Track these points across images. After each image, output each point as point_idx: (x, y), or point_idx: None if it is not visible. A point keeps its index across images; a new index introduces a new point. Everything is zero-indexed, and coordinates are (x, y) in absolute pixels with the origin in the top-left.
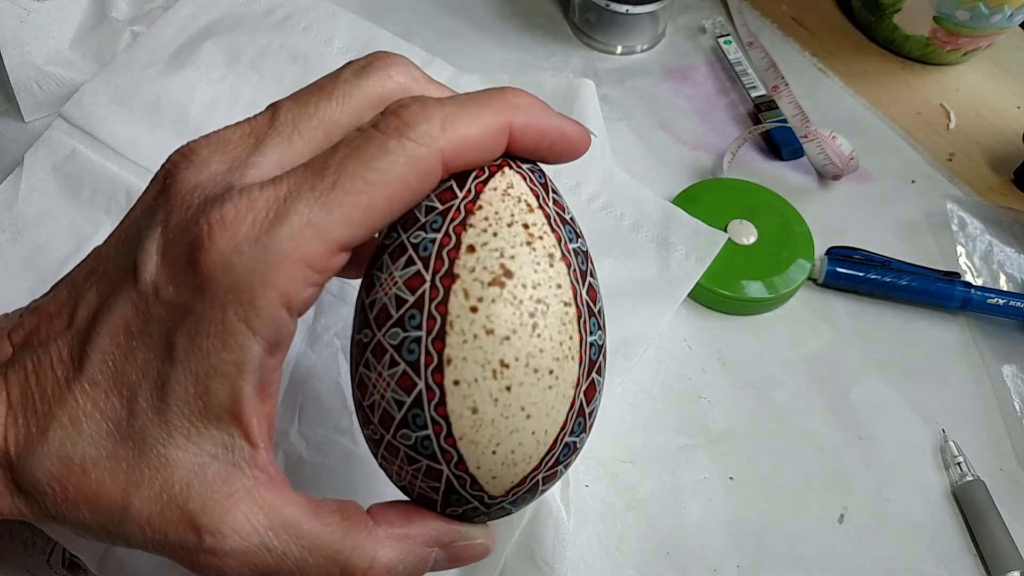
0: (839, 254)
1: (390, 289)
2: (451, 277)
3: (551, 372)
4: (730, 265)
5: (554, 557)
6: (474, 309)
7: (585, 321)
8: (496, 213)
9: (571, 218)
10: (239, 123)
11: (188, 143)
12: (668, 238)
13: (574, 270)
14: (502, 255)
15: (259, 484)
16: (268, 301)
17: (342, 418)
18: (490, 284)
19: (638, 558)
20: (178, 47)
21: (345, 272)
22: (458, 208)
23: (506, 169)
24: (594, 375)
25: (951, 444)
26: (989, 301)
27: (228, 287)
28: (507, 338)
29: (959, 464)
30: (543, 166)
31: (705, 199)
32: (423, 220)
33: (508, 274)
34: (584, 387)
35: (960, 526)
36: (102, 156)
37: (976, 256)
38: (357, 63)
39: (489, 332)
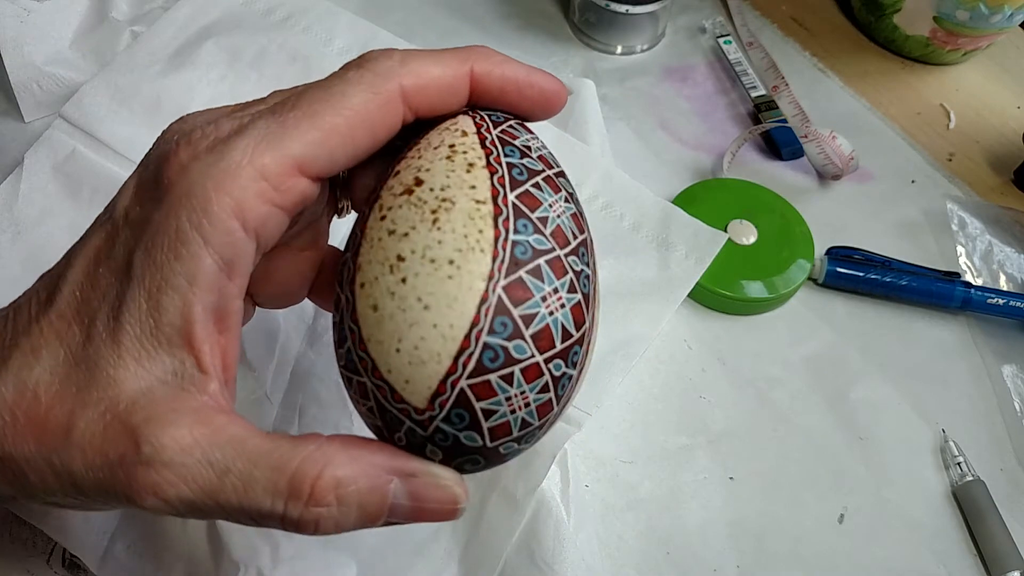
0: (839, 254)
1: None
2: (376, 198)
3: (451, 262)
4: (730, 265)
5: (554, 557)
6: (383, 217)
7: (508, 219)
8: (429, 142)
9: (535, 151)
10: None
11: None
12: (668, 238)
13: (500, 176)
14: (419, 170)
15: (205, 406)
16: (220, 207)
17: (342, 418)
18: (400, 194)
19: (638, 558)
20: (178, 47)
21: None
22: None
23: (461, 115)
24: (523, 274)
25: (951, 444)
26: (989, 301)
27: (183, 193)
28: (406, 234)
29: (959, 464)
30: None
31: (705, 199)
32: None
33: (419, 183)
34: (502, 283)
35: (960, 526)
36: (102, 156)
37: (976, 256)
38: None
39: (391, 233)
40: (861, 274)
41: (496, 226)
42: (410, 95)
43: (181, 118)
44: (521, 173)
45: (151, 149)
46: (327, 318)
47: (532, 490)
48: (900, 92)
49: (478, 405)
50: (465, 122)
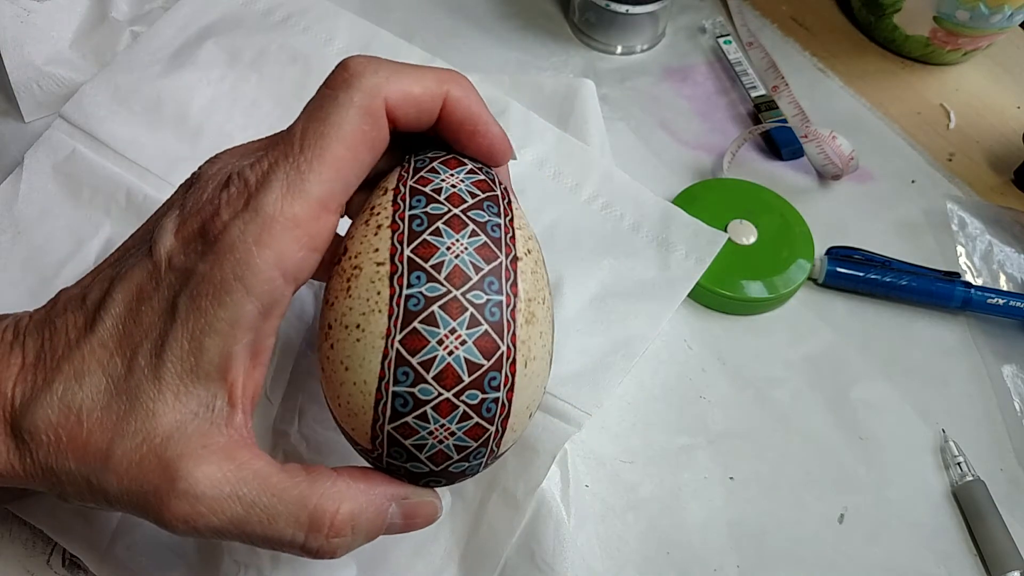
0: (839, 254)
1: None
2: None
3: (358, 326)
4: (730, 265)
5: (554, 557)
6: (327, 288)
7: (402, 276)
8: (366, 204)
9: (446, 191)
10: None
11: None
12: (668, 238)
13: (400, 233)
14: (349, 238)
15: (231, 442)
16: (263, 259)
17: None
18: (336, 263)
19: (638, 558)
20: (178, 47)
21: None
22: None
23: (395, 168)
24: (416, 325)
25: (951, 444)
26: (989, 301)
27: (227, 248)
28: (332, 304)
29: (959, 464)
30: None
31: (705, 199)
32: None
33: (344, 252)
34: (398, 337)
35: (960, 526)
36: (102, 156)
37: (976, 256)
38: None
39: (327, 303)
40: (861, 274)
41: (392, 284)
42: (391, 109)
43: (212, 160)
44: (421, 224)
45: (185, 192)
46: None
47: (532, 490)
48: (900, 92)
49: (407, 442)
50: (391, 178)
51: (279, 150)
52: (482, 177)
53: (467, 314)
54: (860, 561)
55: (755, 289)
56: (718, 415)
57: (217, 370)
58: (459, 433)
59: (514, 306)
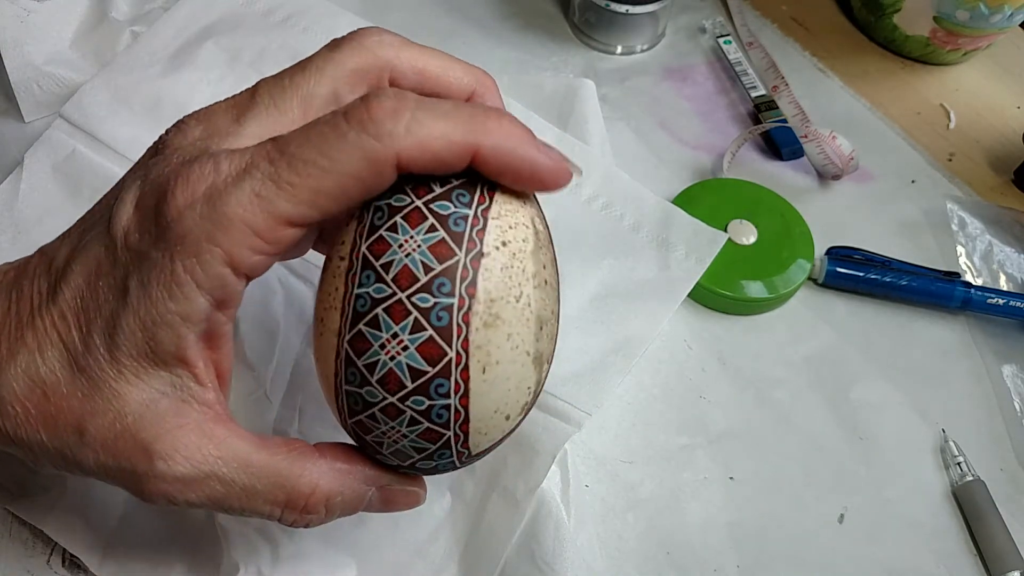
0: (839, 254)
1: None
2: None
3: (322, 320)
4: (730, 265)
5: (554, 557)
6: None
7: (355, 274)
8: None
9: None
10: (227, 98)
11: (184, 116)
12: (668, 238)
13: (362, 226)
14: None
15: (207, 418)
16: (212, 257)
17: None
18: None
19: (638, 558)
20: (178, 47)
21: (318, 248)
22: None
23: None
24: (362, 327)
25: (951, 444)
26: (989, 301)
27: (179, 238)
28: (315, 296)
29: (959, 464)
30: None
31: (705, 199)
32: None
33: (333, 245)
34: (347, 337)
35: (960, 526)
36: (102, 156)
37: (976, 256)
38: (336, 39)
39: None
40: (861, 274)
41: (346, 282)
42: (404, 162)
43: (179, 127)
44: (382, 217)
45: (150, 160)
46: None
47: (532, 490)
48: (900, 92)
49: (367, 438)
50: None
51: (264, 152)
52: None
53: (410, 319)
54: (860, 561)
55: (755, 289)
56: (718, 415)
57: (174, 356)
58: (412, 436)
59: (468, 309)
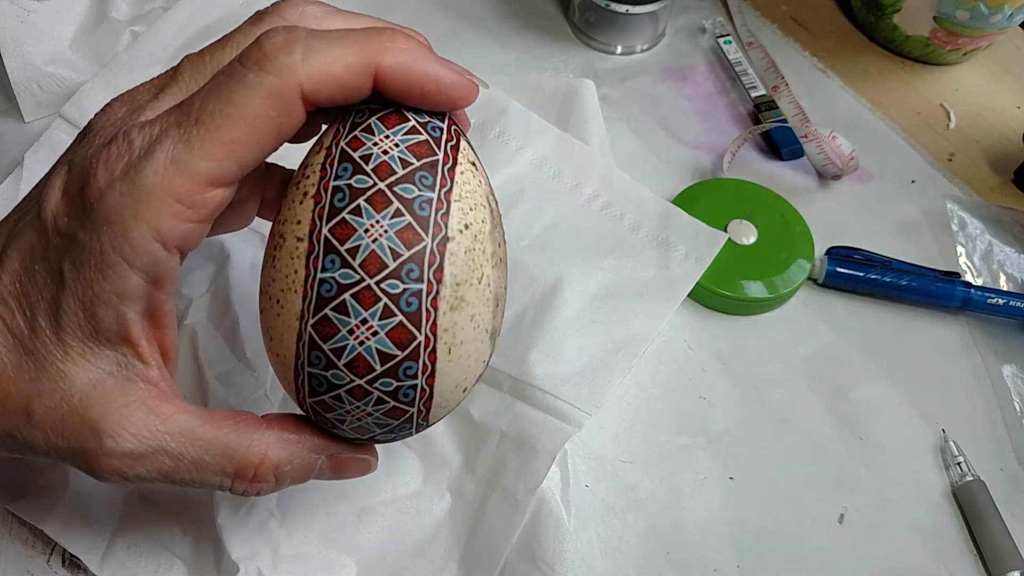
0: (839, 254)
1: None
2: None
3: (278, 301)
4: (730, 265)
5: (554, 557)
6: (265, 246)
7: (317, 257)
8: (303, 162)
9: (375, 159)
10: (151, 78)
11: (110, 99)
12: (668, 238)
13: (321, 207)
14: (287, 196)
15: (152, 396)
16: (139, 234)
17: None
18: (273, 224)
19: (638, 558)
20: (178, 47)
21: (263, 215)
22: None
23: (333, 121)
24: (328, 312)
25: (951, 444)
26: (989, 301)
27: (104, 219)
28: (263, 268)
29: (959, 464)
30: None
31: (705, 199)
32: None
33: (278, 213)
34: (311, 321)
35: (960, 526)
36: None
37: (976, 256)
38: (259, 11)
39: (262, 264)
40: (861, 274)
41: (307, 265)
42: (308, 93)
43: (105, 109)
44: (343, 198)
45: (78, 145)
46: None
47: (532, 490)
48: (900, 92)
49: (328, 415)
50: (328, 133)
51: (172, 117)
52: (424, 137)
53: (380, 304)
54: (860, 561)
55: (755, 289)
56: (718, 415)
57: (116, 335)
58: (376, 414)
59: (436, 293)
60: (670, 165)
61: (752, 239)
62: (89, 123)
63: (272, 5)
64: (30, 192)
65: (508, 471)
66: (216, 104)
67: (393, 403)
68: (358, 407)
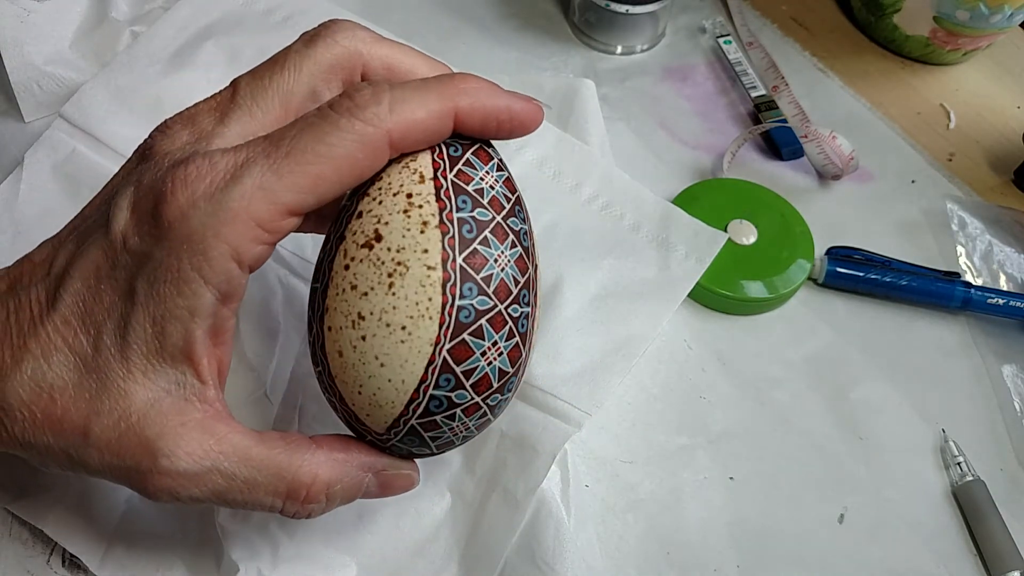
0: (839, 254)
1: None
2: (341, 239)
3: (403, 328)
4: (730, 265)
5: (554, 557)
6: (347, 267)
7: (455, 285)
8: (389, 183)
9: (487, 193)
10: (207, 99)
11: (165, 120)
12: (668, 238)
13: (451, 237)
14: (379, 220)
15: (208, 416)
16: (219, 253)
17: None
18: (362, 246)
19: (638, 558)
20: (178, 47)
21: (308, 229)
22: (368, 180)
23: (421, 152)
24: (466, 336)
25: (951, 444)
26: (989, 301)
27: (184, 237)
28: (365, 294)
29: (959, 464)
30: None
31: (705, 199)
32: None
33: (378, 238)
34: (447, 346)
35: (960, 526)
36: (102, 156)
37: (976, 256)
38: (307, 33)
39: (353, 288)
40: (861, 274)
41: (444, 293)
42: (396, 140)
43: (164, 131)
44: (471, 230)
45: (140, 166)
46: None
47: (532, 490)
48: (900, 92)
49: (426, 434)
50: (424, 162)
51: (260, 147)
52: (507, 174)
53: (507, 327)
54: (860, 561)
55: (755, 289)
56: (718, 415)
57: (181, 352)
58: (473, 427)
59: (535, 316)
60: (670, 165)
61: (752, 239)
62: (148, 144)
63: (322, 26)
64: (84, 210)
65: (508, 471)
66: (309, 142)
67: (489, 417)
68: (463, 423)
